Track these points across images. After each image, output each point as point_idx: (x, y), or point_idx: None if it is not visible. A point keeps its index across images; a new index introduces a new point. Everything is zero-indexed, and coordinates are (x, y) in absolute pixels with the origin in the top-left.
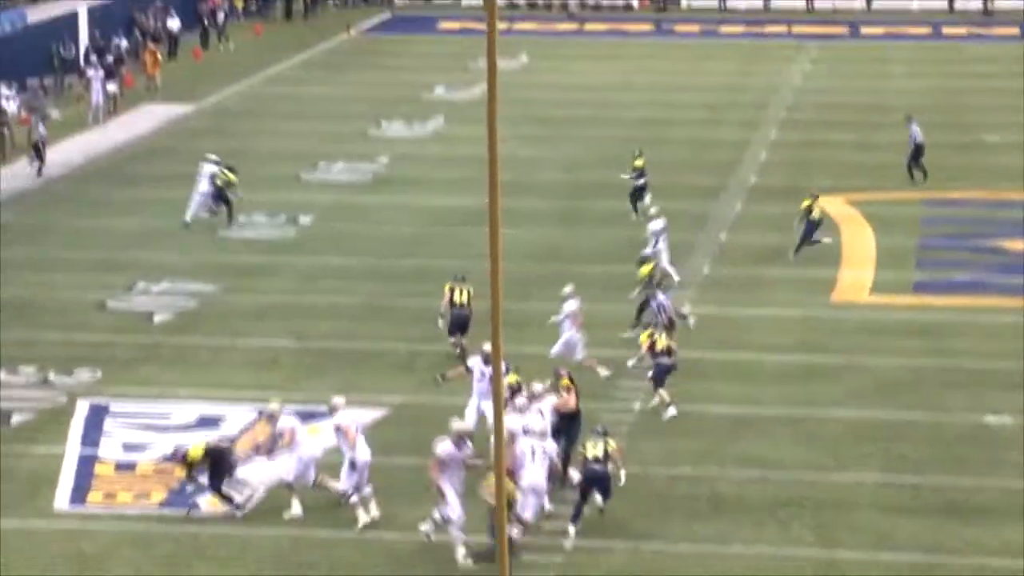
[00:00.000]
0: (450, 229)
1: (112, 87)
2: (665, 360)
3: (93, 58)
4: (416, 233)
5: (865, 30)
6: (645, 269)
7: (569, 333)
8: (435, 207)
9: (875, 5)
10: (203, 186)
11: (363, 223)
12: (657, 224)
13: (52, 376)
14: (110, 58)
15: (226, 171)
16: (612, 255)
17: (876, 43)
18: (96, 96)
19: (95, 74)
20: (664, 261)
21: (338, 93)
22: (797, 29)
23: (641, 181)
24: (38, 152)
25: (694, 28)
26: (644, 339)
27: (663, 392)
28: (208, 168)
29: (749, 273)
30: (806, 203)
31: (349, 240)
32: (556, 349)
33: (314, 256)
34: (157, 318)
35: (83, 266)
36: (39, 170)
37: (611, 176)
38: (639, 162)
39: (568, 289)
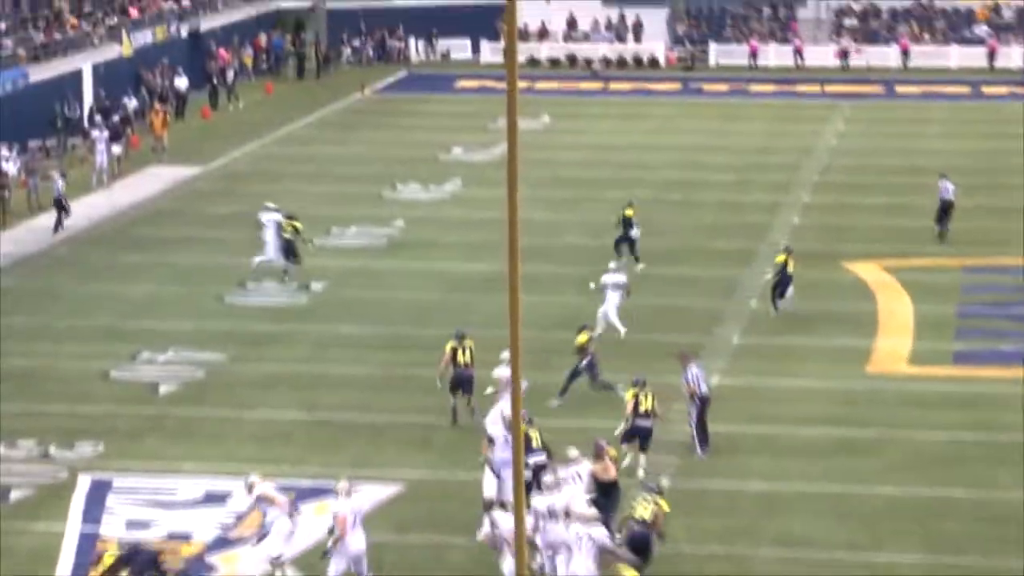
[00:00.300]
0: (468, 296)
1: (117, 148)
2: (644, 423)
3: (97, 118)
4: (433, 300)
5: (901, 89)
6: (582, 338)
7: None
8: (452, 272)
9: (911, 63)
10: (269, 236)
11: (377, 289)
12: (618, 278)
13: (53, 450)
14: (115, 118)
15: (290, 220)
16: (636, 322)
17: (912, 103)
18: (100, 158)
19: (99, 135)
20: (612, 314)
21: (352, 154)
22: (830, 88)
23: (633, 232)
24: (60, 207)
25: (723, 87)
26: (629, 397)
27: (643, 457)
28: (269, 216)
29: (781, 342)
30: (781, 258)
31: (363, 307)
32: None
33: (326, 324)
34: (162, 389)
35: (86, 334)
36: (57, 224)
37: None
38: (629, 211)
39: (504, 355)
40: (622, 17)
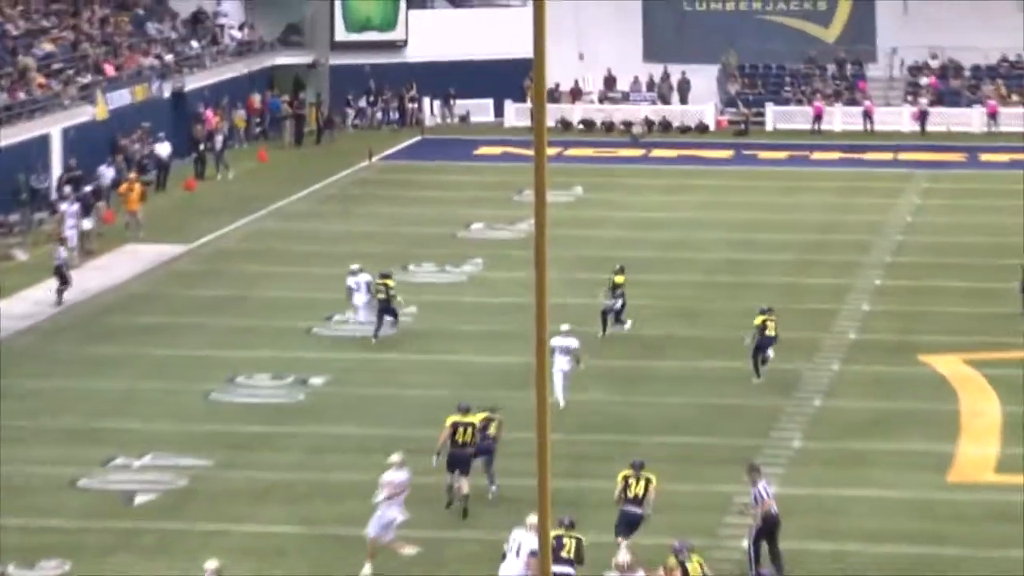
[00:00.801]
0: (487, 392)
1: (88, 223)
2: (634, 509)
3: (67, 189)
4: (446, 397)
5: (985, 157)
6: (619, 278)
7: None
8: (470, 366)
9: (999, 127)
10: (360, 299)
11: (385, 385)
12: (568, 342)
13: (12, 569)
14: (87, 189)
15: (384, 279)
16: (684, 424)
17: (998, 172)
18: (70, 234)
19: (69, 208)
20: (557, 383)
21: (357, 231)
22: (904, 156)
23: (619, 303)
24: (61, 277)
25: (781, 155)
26: (619, 481)
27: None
28: (358, 279)
29: (849, 446)
30: (759, 320)
31: (368, 406)
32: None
33: (326, 425)
34: (138, 499)
35: (51, 437)
36: (60, 294)
37: (682, 329)
38: (619, 279)
39: (395, 457)
40: (666, 75)
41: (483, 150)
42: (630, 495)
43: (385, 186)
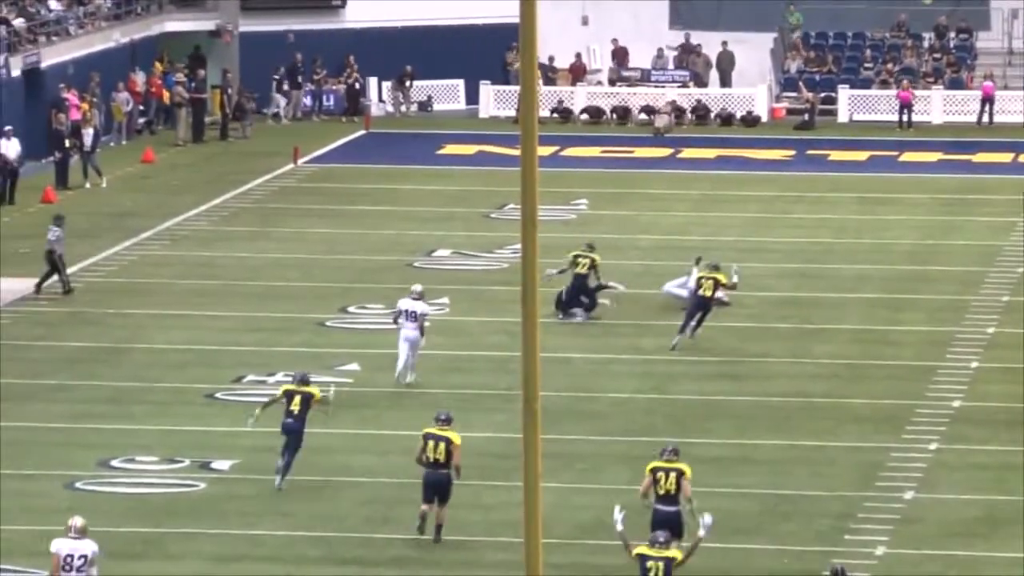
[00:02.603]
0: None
1: None
2: (667, 508)
3: None
4: (397, 488)
5: None
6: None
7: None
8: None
9: None
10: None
11: (314, 471)
12: (417, 307)
13: None
14: None
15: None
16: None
17: None
18: None
19: None
20: (401, 359)
21: (277, 260)
22: None
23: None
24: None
25: (859, 155)
26: (646, 474)
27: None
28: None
29: (953, 554)
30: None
31: (291, 499)
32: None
33: (234, 525)
34: None
35: None
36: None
37: (728, 391)
38: (591, 259)
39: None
40: (698, 48)
41: (450, 149)
42: (660, 491)
43: (316, 198)
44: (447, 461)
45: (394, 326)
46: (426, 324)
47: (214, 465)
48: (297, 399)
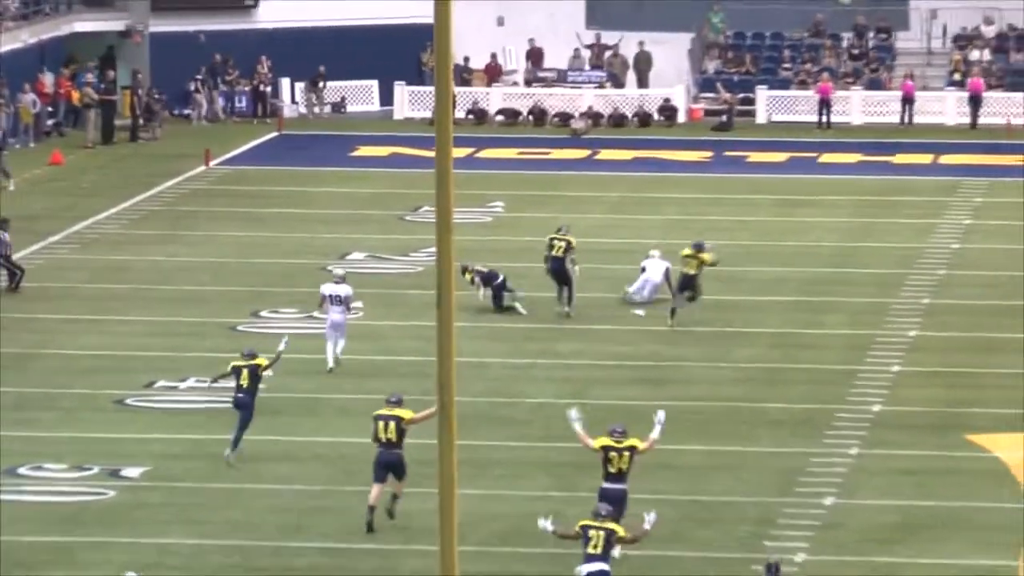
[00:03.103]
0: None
1: None
2: (616, 486)
3: None
4: (315, 495)
5: None
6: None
7: None
8: (350, 451)
9: None
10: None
11: (228, 479)
12: (339, 289)
13: None
14: None
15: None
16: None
17: None
18: None
19: None
20: (329, 346)
21: (190, 264)
22: (949, 159)
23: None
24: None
25: (779, 156)
26: (597, 449)
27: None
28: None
29: (869, 559)
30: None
31: (206, 508)
32: None
33: (147, 534)
34: None
35: None
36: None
37: (645, 396)
38: (567, 241)
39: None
40: (615, 48)
41: (364, 151)
42: (612, 470)
43: (228, 200)
44: (399, 440)
45: (321, 315)
46: (352, 305)
47: (124, 472)
48: (245, 373)
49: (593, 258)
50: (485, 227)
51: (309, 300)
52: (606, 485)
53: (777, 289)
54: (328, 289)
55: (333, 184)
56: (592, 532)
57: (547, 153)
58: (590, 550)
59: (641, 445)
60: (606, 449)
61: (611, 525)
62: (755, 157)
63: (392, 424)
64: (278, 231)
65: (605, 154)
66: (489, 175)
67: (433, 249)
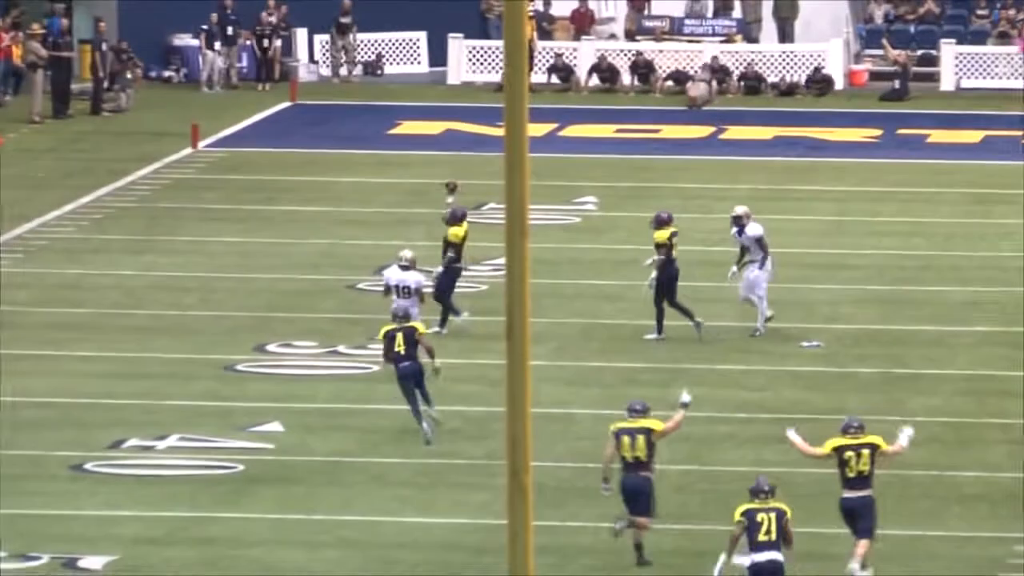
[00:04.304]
0: None
1: None
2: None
3: None
4: None
5: None
6: None
7: None
8: (390, 536)
9: None
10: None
11: (213, 567)
12: (408, 277)
13: None
14: None
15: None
16: None
17: None
18: None
19: None
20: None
21: (165, 279)
22: None
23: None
24: None
25: (970, 136)
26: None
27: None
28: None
29: None
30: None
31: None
32: None
33: None
34: None
35: None
36: None
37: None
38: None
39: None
40: None
41: (408, 127)
42: (850, 474)
43: (224, 194)
44: (649, 460)
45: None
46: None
47: (83, 563)
48: (399, 337)
49: (713, 273)
50: (571, 231)
51: (332, 329)
52: (847, 494)
53: (967, 316)
54: (395, 276)
55: (365, 173)
56: (761, 516)
57: (655, 131)
58: (761, 537)
59: (888, 448)
60: (840, 450)
61: (779, 504)
62: (938, 137)
63: (641, 439)
64: (291, 236)
65: (734, 132)
66: (577, 160)
67: (501, 260)
